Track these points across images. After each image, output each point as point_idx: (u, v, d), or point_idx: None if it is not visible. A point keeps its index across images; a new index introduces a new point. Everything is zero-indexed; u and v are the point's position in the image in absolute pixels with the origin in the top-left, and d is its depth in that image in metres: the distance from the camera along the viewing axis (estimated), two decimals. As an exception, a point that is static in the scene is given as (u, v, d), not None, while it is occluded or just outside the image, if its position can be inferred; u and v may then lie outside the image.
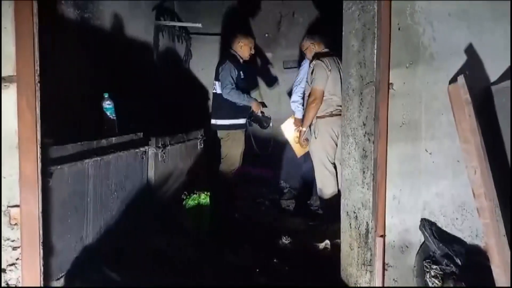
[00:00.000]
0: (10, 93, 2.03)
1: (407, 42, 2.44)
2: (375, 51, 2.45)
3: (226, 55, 4.46)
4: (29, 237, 2.06)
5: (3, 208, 2.08)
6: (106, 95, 3.25)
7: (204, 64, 5.75)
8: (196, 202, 3.71)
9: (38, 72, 1.99)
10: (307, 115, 4.07)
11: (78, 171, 2.68)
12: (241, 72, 4.33)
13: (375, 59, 2.47)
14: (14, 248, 2.09)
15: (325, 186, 4.11)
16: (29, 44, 1.97)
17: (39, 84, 2.00)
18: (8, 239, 2.08)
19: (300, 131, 4.25)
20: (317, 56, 4.12)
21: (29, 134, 1.99)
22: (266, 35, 5.68)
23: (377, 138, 2.46)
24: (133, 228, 3.26)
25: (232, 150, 4.35)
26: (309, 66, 4.20)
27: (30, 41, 1.96)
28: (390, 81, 2.45)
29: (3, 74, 2.02)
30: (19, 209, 2.04)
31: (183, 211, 3.68)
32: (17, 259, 2.09)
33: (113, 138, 3.11)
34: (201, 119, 5.04)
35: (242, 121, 4.35)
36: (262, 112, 4.43)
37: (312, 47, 4.29)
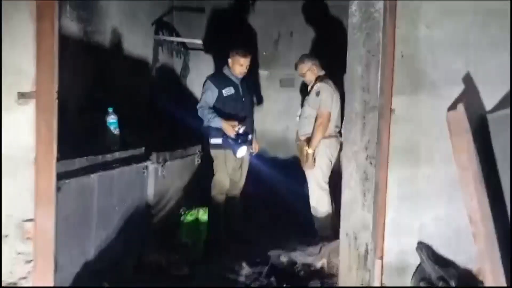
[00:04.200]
0: (28, 109, 2.05)
1: (409, 70, 2.54)
2: (379, 77, 2.54)
3: (216, 71, 4.36)
4: (42, 251, 2.08)
5: (17, 222, 2.09)
6: (110, 110, 3.26)
7: (202, 80, 5.76)
8: (194, 217, 3.72)
9: (57, 89, 2.03)
10: (315, 137, 4.07)
11: (84, 186, 2.69)
12: (223, 91, 4.14)
13: (378, 85, 2.55)
14: (27, 262, 2.10)
15: (320, 204, 4.16)
16: (50, 62, 2.00)
17: (57, 101, 2.03)
18: (21, 253, 2.09)
19: (307, 154, 4.10)
20: (320, 78, 4.20)
21: (46, 149, 2.01)
22: (264, 53, 5.74)
23: (379, 162, 2.54)
24: (133, 243, 3.27)
25: (217, 169, 4.19)
26: (312, 88, 4.24)
27: (51, 58, 2.00)
28: (392, 107, 2.54)
29: (21, 90, 2.04)
30: (33, 223, 2.06)
31: (182, 227, 3.69)
32: (28, 272, 2.11)
33: (117, 153, 3.13)
34: (199, 134, 5.05)
35: (218, 140, 4.09)
36: (237, 134, 3.97)
37: (314, 68, 4.28)
